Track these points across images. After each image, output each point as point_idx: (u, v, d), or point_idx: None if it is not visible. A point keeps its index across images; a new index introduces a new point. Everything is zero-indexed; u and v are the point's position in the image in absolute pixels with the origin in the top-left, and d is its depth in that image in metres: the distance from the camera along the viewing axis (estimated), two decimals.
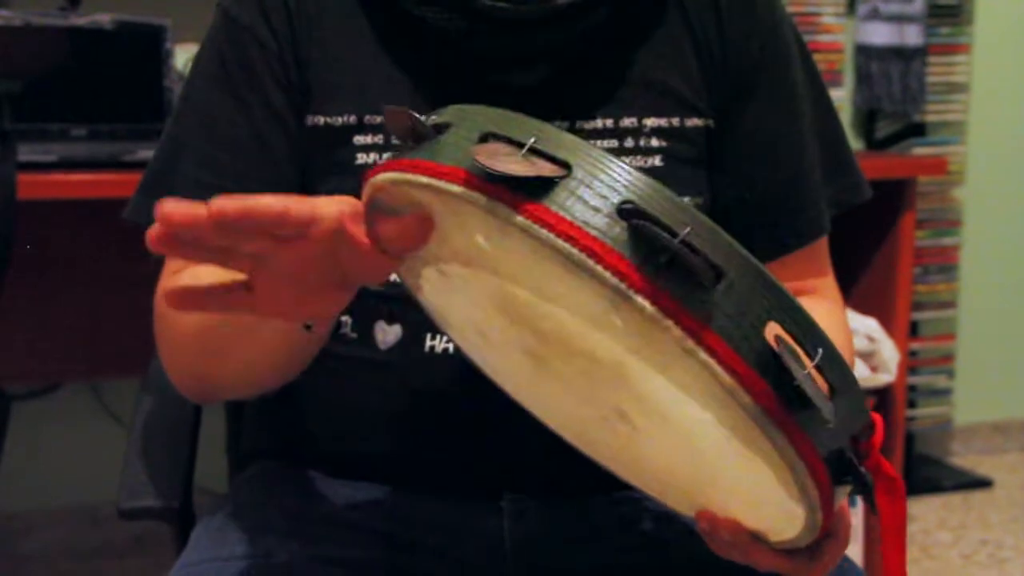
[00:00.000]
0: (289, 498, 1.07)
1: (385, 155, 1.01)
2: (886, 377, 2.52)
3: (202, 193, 1.02)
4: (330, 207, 0.74)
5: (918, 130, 3.14)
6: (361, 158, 1.02)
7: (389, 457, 1.05)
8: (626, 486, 0.93)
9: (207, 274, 1.01)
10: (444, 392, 1.01)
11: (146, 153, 1.96)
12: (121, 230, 1.14)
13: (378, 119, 1.02)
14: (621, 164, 0.69)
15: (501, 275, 0.76)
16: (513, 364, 0.85)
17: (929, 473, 3.18)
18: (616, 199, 0.67)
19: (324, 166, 1.03)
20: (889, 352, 2.51)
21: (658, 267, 0.66)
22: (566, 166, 0.68)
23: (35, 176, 1.91)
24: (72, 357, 2.49)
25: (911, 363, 3.03)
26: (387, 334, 1.02)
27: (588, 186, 0.68)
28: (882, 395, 2.55)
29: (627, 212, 0.67)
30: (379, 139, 1.02)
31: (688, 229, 0.66)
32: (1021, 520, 2.94)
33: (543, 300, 0.74)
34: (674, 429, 0.77)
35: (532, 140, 0.69)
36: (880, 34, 3.01)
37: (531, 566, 1.04)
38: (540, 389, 0.87)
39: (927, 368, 3.24)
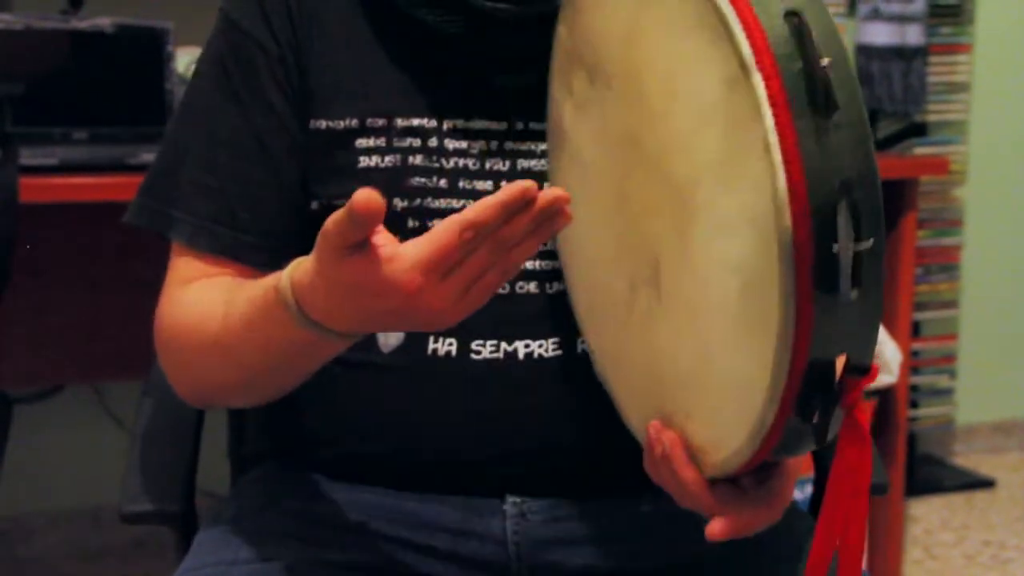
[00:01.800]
0: (292, 501, 1.07)
1: (388, 158, 1.02)
2: (888, 377, 2.51)
3: (203, 196, 1.03)
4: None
5: (919, 130, 3.14)
6: (363, 161, 1.02)
7: (391, 459, 1.05)
8: (628, 489, 0.93)
9: (203, 292, 1.01)
10: (446, 394, 1.01)
11: (148, 156, 1.96)
12: (123, 233, 1.14)
13: (380, 122, 1.02)
14: None
15: (640, 51, 0.81)
16: (595, 199, 0.88)
17: (931, 473, 3.17)
18: (792, 4, 0.72)
19: (326, 169, 1.03)
20: (891, 352, 2.51)
21: (792, 73, 0.70)
22: None
23: (37, 179, 1.91)
24: (74, 360, 2.49)
25: (913, 363, 3.03)
26: (389, 337, 1.02)
27: None
28: (884, 395, 2.55)
29: (793, 16, 0.71)
30: (381, 142, 1.02)
31: (831, 60, 0.70)
32: None
33: (667, 85, 0.79)
34: (695, 282, 0.79)
35: None
36: (881, 34, 3.01)
37: (534, 568, 1.04)
38: (596, 234, 0.90)
39: (929, 368, 3.24)
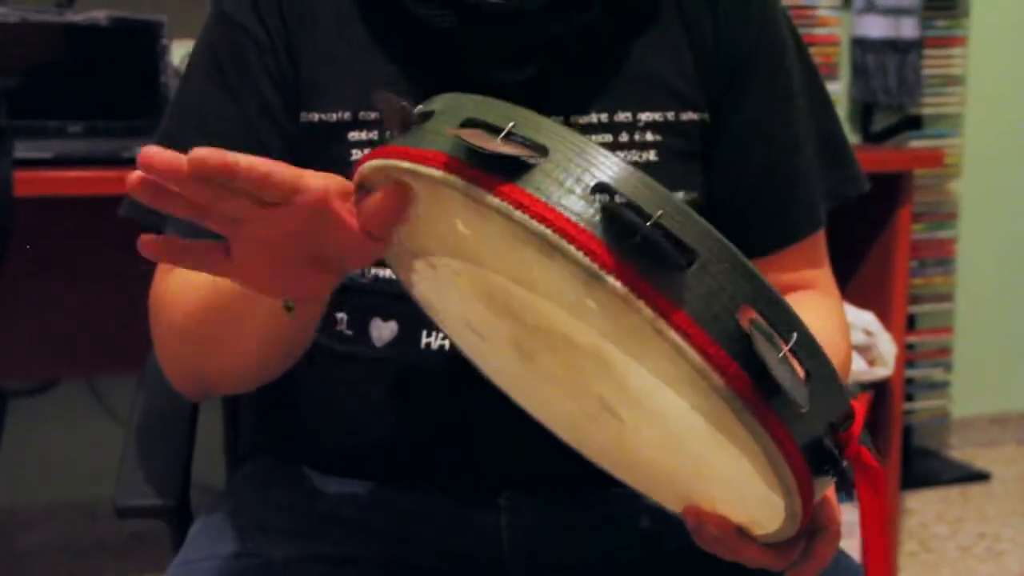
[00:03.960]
0: (287, 495, 1.07)
1: None
2: (883, 371, 2.52)
3: None
4: (316, 180, 0.75)
5: (914, 123, 3.14)
6: (356, 154, 1.02)
7: (386, 454, 1.05)
8: (622, 483, 0.93)
9: (197, 275, 1.01)
10: (440, 388, 1.01)
11: None
12: (118, 226, 1.14)
13: (372, 115, 1.02)
14: (599, 148, 0.70)
15: (482, 263, 0.77)
16: (503, 359, 0.86)
17: (927, 466, 3.18)
18: (591, 181, 0.68)
19: (319, 162, 1.02)
20: (886, 345, 2.52)
21: (630, 248, 0.67)
22: (543, 149, 0.69)
23: (32, 173, 1.91)
24: (69, 354, 2.49)
25: (908, 356, 3.03)
26: (382, 331, 1.02)
27: (564, 169, 0.69)
28: (879, 388, 2.55)
29: (601, 193, 0.68)
30: (374, 135, 1.02)
31: (661, 212, 0.67)
32: (1019, 513, 2.95)
33: (522, 287, 0.75)
34: (656, 419, 0.77)
35: (511, 125, 0.70)
36: (876, 27, 3.01)
37: (528, 562, 1.04)
38: (530, 384, 0.88)
39: (924, 361, 3.24)
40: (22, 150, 1.93)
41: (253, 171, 0.71)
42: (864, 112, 3.12)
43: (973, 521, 2.90)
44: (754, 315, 0.68)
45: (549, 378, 0.84)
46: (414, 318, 0.99)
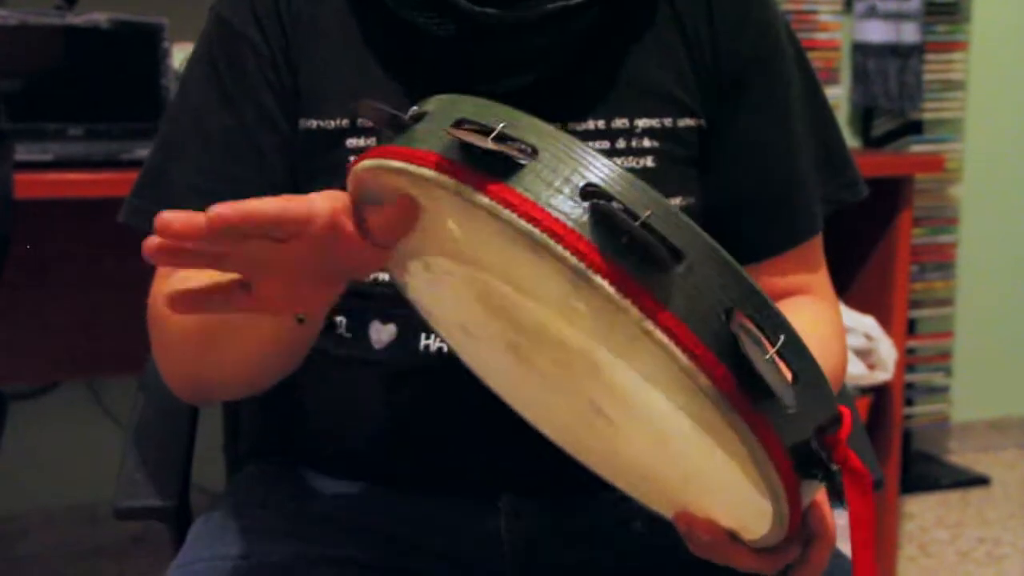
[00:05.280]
0: (286, 497, 1.08)
1: None
2: (883, 375, 2.52)
3: (195, 196, 1.03)
4: (324, 203, 0.75)
5: (915, 128, 3.14)
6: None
7: (386, 456, 1.05)
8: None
9: (197, 275, 1.01)
10: (439, 391, 1.01)
11: (143, 152, 1.97)
12: (118, 229, 1.15)
13: (370, 122, 1.02)
14: (589, 150, 0.70)
15: (473, 263, 0.77)
16: (497, 360, 0.86)
17: (927, 471, 3.18)
18: (580, 182, 0.69)
19: (317, 168, 1.03)
20: (886, 350, 2.52)
21: (618, 248, 0.67)
22: (534, 150, 0.70)
23: (32, 175, 1.91)
24: (69, 356, 2.49)
25: (909, 361, 3.03)
26: (381, 333, 1.02)
27: (553, 169, 0.69)
28: (880, 393, 2.55)
29: (590, 194, 0.68)
30: (372, 142, 1.02)
31: (649, 213, 0.68)
32: (1018, 517, 2.95)
33: (513, 287, 0.75)
34: (644, 422, 0.78)
35: (501, 125, 0.71)
36: (877, 32, 3.01)
37: (528, 566, 1.04)
38: (523, 385, 0.88)
39: (925, 366, 3.25)
40: (22, 152, 1.93)
41: (268, 213, 0.71)
42: (865, 117, 3.13)
43: (973, 526, 2.90)
44: (742, 317, 0.69)
45: (542, 380, 0.84)
46: (413, 320, 0.99)
